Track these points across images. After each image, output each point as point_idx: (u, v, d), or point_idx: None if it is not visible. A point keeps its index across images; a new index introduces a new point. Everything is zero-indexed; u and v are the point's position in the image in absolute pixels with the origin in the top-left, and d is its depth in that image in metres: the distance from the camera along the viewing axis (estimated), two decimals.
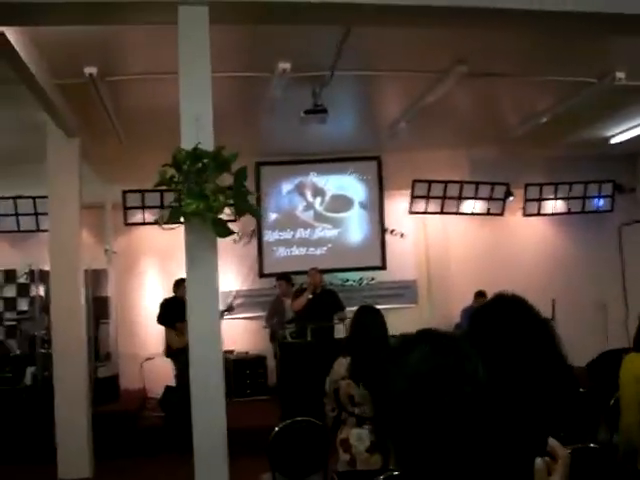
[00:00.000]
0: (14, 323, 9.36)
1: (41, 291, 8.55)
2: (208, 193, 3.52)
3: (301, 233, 10.20)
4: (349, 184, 10.34)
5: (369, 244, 10.29)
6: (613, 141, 9.69)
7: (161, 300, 8.19)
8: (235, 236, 10.10)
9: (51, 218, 6.99)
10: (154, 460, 6.99)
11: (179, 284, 7.42)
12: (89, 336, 7.55)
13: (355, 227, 10.34)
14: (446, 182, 10.08)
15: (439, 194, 10.12)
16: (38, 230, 9.06)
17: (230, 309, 8.72)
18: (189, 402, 3.95)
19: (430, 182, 10.03)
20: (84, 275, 7.10)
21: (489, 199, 10.32)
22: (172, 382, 7.88)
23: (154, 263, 9.90)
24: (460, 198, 10.23)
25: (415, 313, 10.19)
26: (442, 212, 10.24)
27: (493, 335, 2.17)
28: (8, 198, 9.22)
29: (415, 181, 9.98)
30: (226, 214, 3.90)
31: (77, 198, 6.87)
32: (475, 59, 6.24)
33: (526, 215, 10.54)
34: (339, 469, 3.85)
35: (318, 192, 10.26)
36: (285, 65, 6.00)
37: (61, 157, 6.83)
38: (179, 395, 6.74)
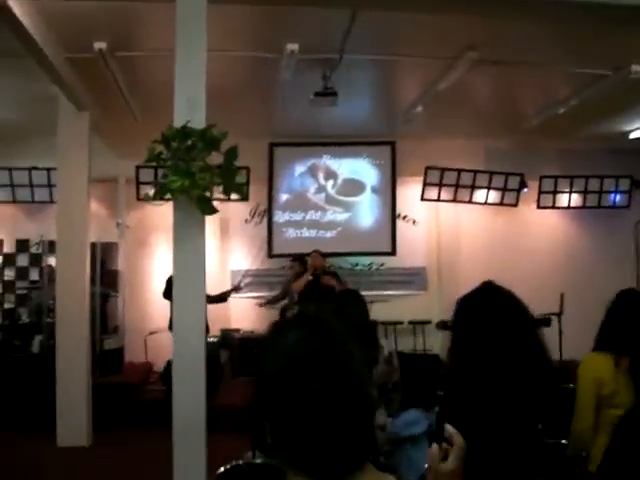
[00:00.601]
0: (25, 292, 9.50)
1: (51, 261, 8.66)
2: (195, 170, 3.54)
3: (312, 215, 10.18)
4: (362, 168, 10.29)
5: (379, 229, 10.24)
6: (632, 136, 9.51)
7: (167, 276, 8.25)
8: (247, 215, 10.18)
9: (60, 190, 7.07)
10: (152, 432, 7.05)
11: None
12: (94, 308, 7.65)
13: (366, 212, 10.29)
14: (459, 170, 10.00)
15: (452, 182, 10.04)
16: (51, 202, 9.03)
17: (237, 289, 8.76)
18: None
19: (443, 170, 9.95)
20: (94, 248, 7.14)
21: (503, 189, 10.20)
22: None
23: (165, 239, 9.93)
24: (473, 187, 10.14)
25: (424, 300, 10.18)
26: (455, 200, 10.18)
27: (475, 320, 2.17)
28: (23, 169, 9.32)
29: (428, 168, 9.91)
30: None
31: (86, 171, 6.93)
32: (489, 46, 6.17)
33: (540, 207, 10.39)
34: None
35: (331, 175, 10.23)
36: (293, 46, 5.98)
37: (71, 130, 6.88)
38: None
